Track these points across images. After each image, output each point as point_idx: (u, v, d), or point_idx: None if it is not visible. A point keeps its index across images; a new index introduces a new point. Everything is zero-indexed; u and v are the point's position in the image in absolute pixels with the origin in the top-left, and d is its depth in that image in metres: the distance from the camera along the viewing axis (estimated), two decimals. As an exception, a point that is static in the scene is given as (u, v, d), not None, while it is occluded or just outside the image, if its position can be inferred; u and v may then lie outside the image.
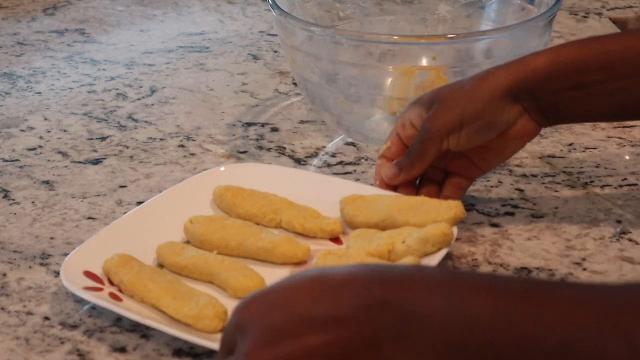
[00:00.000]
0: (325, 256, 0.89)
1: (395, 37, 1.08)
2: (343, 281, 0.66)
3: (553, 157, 1.10)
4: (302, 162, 1.11)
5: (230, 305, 0.83)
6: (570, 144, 1.13)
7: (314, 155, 1.13)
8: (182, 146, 1.15)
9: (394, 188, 0.98)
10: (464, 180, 0.99)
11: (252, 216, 0.96)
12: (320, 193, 0.99)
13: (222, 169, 1.03)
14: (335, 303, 0.65)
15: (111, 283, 0.87)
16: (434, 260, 0.88)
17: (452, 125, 0.94)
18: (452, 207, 0.92)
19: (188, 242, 0.94)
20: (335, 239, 0.95)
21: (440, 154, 0.96)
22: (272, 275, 0.88)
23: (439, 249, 0.89)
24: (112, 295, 0.86)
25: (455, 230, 0.90)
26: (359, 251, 0.90)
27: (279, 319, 0.65)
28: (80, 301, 0.88)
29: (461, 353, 0.63)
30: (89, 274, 0.88)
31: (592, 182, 1.05)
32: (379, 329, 0.64)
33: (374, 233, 0.92)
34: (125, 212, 1.00)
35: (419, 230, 0.90)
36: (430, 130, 0.94)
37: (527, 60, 0.93)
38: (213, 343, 0.79)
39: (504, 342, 0.61)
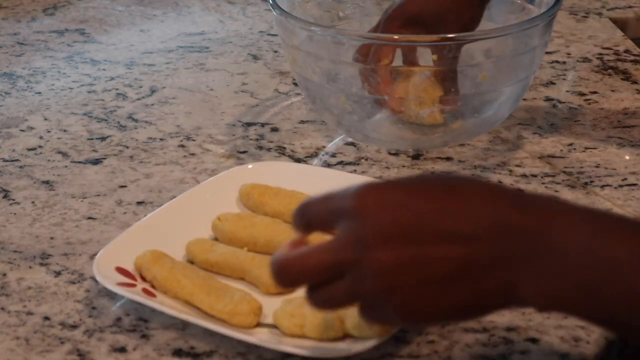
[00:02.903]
0: None
1: (395, 37, 1.08)
2: (480, 200, 0.63)
3: (553, 157, 1.10)
4: (302, 162, 1.11)
5: (264, 301, 0.84)
6: (570, 144, 1.13)
7: (314, 155, 1.13)
8: (182, 146, 1.15)
9: None
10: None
11: (278, 214, 0.96)
12: None
13: (250, 166, 1.03)
14: (469, 221, 0.62)
15: (143, 279, 0.87)
16: None
17: None
18: None
19: (216, 239, 0.94)
20: None
21: None
22: None
23: None
24: (146, 292, 0.86)
25: None
26: None
27: (405, 221, 0.63)
28: (80, 301, 0.88)
29: (594, 297, 0.60)
30: (121, 270, 0.87)
31: (592, 182, 1.05)
32: (511, 254, 0.61)
33: None
34: (125, 212, 1.00)
35: None
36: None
37: None
38: (250, 337, 0.80)
39: None
